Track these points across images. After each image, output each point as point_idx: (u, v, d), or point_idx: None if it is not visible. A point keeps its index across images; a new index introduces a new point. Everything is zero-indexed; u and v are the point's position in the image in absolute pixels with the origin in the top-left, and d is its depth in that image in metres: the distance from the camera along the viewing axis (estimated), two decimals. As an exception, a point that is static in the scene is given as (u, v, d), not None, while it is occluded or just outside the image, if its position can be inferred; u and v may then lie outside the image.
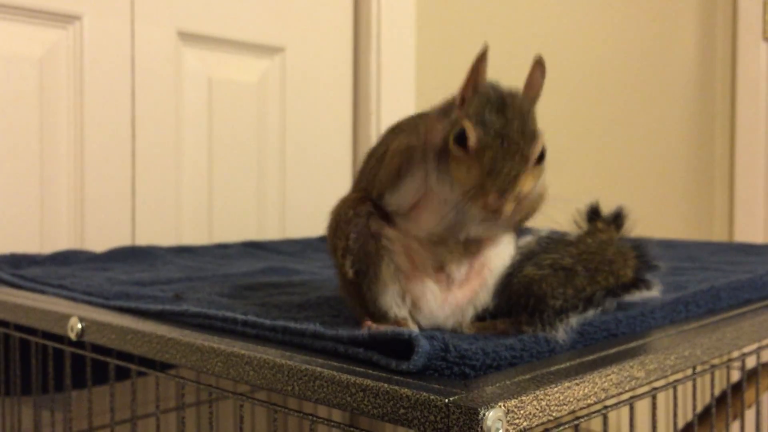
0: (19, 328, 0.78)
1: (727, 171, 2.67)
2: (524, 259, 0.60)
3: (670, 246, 1.38)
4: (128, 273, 0.95)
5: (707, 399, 0.76)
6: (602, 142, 2.19)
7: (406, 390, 0.43)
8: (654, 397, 0.57)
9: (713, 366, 0.64)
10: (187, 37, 1.35)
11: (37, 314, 0.73)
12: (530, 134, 0.51)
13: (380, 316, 0.56)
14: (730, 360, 0.67)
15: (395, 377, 0.46)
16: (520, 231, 0.61)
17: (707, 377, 0.69)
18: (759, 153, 2.57)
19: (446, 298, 0.57)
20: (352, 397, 0.46)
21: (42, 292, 0.82)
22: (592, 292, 0.58)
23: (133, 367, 0.65)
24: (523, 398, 0.43)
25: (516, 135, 0.50)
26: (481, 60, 0.52)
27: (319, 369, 0.48)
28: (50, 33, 1.20)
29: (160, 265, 1.03)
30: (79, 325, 0.67)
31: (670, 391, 0.61)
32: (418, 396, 0.43)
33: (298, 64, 1.51)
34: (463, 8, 1.77)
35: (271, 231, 1.49)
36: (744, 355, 0.69)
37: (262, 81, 1.47)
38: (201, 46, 1.38)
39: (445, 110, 0.55)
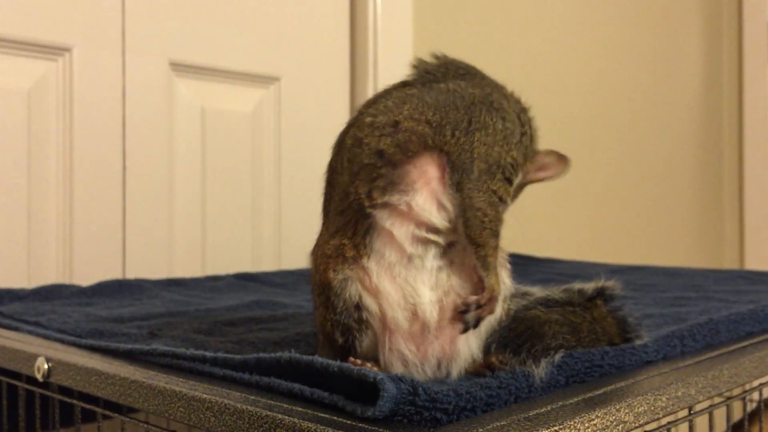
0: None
1: (737, 196, 2.63)
2: (538, 302, 0.61)
3: (674, 274, 1.35)
4: (110, 308, 0.92)
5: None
6: (610, 169, 2.16)
7: (367, 440, 0.40)
8: (647, 441, 0.53)
9: (712, 405, 0.60)
10: (180, 68, 1.34)
11: (7, 353, 0.71)
12: None
13: None
14: (729, 398, 0.63)
15: (360, 425, 0.43)
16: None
17: (706, 417, 0.65)
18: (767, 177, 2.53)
19: (425, 353, 0.54)
20: (314, 446, 0.43)
21: (17, 329, 0.80)
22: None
23: (98, 410, 0.62)
24: (495, 449, 0.40)
25: None
26: None
27: (280, 416, 0.45)
28: (39, 65, 1.19)
29: (146, 300, 1.00)
30: (46, 366, 0.65)
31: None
32: (379, 447, 0.40)
33: (294, 94, 1.50)
34: (461, 36, 1.76)
35: (267, 262, 1.46)
36: (745, 392, 0.65)
37: (257, 110, 1.45)
38: (194, 76, 1.36)
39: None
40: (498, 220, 0.54)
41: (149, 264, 1.29)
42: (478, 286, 0.55)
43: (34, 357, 0.66)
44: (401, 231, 0.53)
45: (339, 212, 0.57)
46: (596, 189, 2.12)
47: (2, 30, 1.14)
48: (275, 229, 1.47)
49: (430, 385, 0.46)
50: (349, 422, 0.44)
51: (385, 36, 1.58)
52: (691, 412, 0.57)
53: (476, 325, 0.54)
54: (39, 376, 0.65)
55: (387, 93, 0.59)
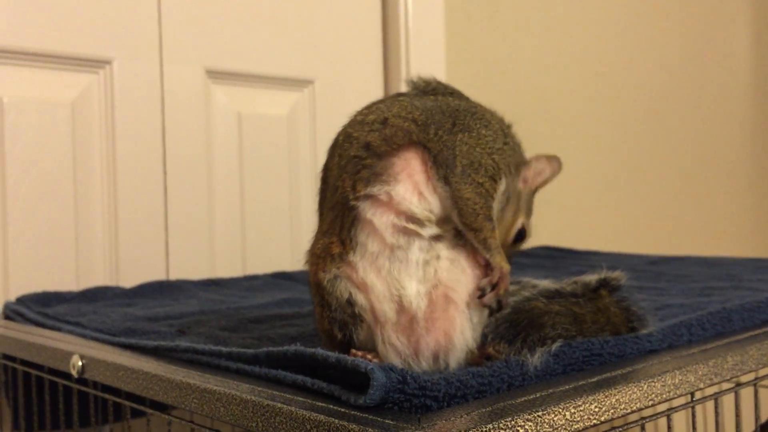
0: (30, 365, 0.80)
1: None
2: (541, 294, 0.62)
3: (712, 264, 1.33)
4: (148, 308, 0.96)
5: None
6: (666, 159, 2.13)
7: (354, 426, 0.43)
8: (642, 428, 0.54)
9: (717, 393, 0.61)
10: (216, 75, 1.38)
11: (47, 352, 0.76)
12: None
13: None
14: (738, 385, 0.63)
15: (352, 412, 0.46)
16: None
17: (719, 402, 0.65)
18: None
19: (417, 345, 0.56)
20: (308, 434, 0.45)
21: (59, 329, 0.85)
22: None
23: (126, 403, 0.66)
24: (475, 433, 0.42)
25: None
26: None
27: (279, 405, 0.48)
28: (82, 78, 1.25)
29: (183, 299, 1.05)
30: (80, 363, 0.69)
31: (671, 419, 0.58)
32: (364, 432, 0.42)
33: (328, 96, 1.53)
34: (494, 34, 1.76)
35: (306, 261, 1.50)
36: (757, 378, 0.65)
37: (292, 113, 1.49)
38: (229, 82, 1.41)
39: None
40: (488, 207, 0.57)
41: (192, 265, 1.34)
42: (487, 268, 0.57)
43: (70, 354, 0.71)
44: (382, 221, 0.56)
45: (330, 208, 0.60)
46: (651, 180, 2.10)
47: (46, 46, 1.20)
48: (313, 229, 1.50)
49: (421, 374, 0.48)
50: (342, 410, 0.46)
51: (417, 36, 1.60)
52: (693, 399, 0.58)
53: (499, 306, 0.56)
54: (74, 372, 0.69)
55: (381, 100, 0.63)
